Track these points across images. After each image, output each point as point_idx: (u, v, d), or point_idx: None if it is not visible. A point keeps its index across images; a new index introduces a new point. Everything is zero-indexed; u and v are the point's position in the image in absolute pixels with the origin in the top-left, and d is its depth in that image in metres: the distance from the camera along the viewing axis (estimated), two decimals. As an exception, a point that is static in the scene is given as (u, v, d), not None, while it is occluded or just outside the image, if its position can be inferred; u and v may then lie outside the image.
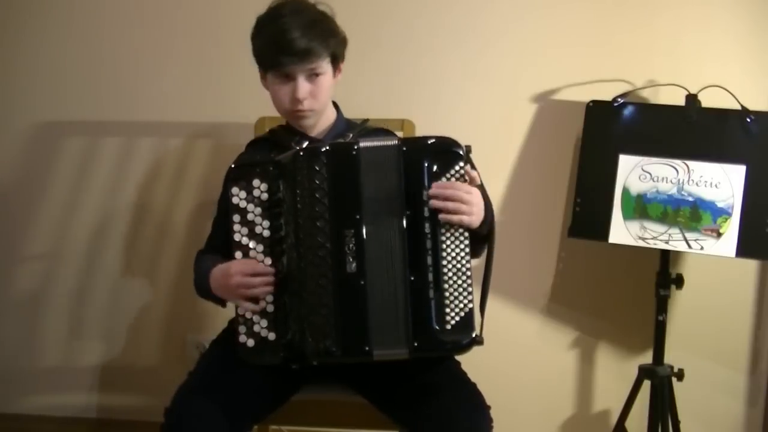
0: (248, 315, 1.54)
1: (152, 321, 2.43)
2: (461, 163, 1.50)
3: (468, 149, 1.52)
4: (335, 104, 1.83)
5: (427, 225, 1.49)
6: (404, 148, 1.51)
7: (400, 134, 2.07)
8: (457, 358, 1.63)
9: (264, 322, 1.54)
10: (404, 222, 1.50)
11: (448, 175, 1.50)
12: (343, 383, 1.71)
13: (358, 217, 1.50)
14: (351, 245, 1.50)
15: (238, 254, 1.55)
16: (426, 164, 1.50)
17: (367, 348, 1.50)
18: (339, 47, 1.72)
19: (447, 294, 1.49)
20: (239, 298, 1.55)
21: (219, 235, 1.76)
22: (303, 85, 1.67)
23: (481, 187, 1.55)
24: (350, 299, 1.50)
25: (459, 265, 1.49)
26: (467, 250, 1.50)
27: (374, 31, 2.27)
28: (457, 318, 1.49)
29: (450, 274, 1.49)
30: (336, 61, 1.72)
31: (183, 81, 2.34)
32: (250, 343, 1.54)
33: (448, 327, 1.49)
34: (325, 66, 1.68)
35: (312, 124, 1.75)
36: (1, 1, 2.39)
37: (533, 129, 2.25)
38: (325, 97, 1.72)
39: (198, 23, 2.33)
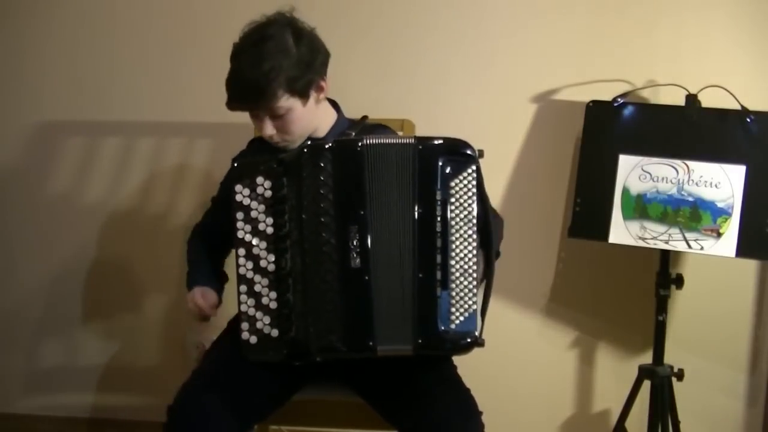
0: (251, 312, 1.54)
1: (152, 321, 2.42)
2: (474, 167, 1.51)
3: (480, 153, 1.52)
4: (335, 104, 1.82)
5: (438, 224, 1.49)
6: (420, 147, 1.51)
7: (400, 134, 2.08)
8: (457, 358, 1.63)
9: (267, 319, 1.53)
10: (415, 219, 1.50)
11: (460, 177, 1.50)
12: (342, 384, 1.71)
13: (362, 212, 1.50)
14: (355, 241, 1.49)
15: (241, 251, 1.54)
16: (440, 164, 1.50)
17: (371, 343, 1.50)
18: (302, 79, 1.61)
19: (453, 294, 1.49)
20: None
21: (214, 221, 1.85)
22: (268, 125, 1.64)
23: (483, 199, 1.53)
24: (354, 294, 1.50)
25: (466, 266, 1.50)
26: (474, 251, 1.50)
27: (374, 31, 2.27)
28: (462, 318, 1.50)
29: (457, 274, 1.49)
30: (303, 92, 1.63)
31: (183, 81, 2.34)
32: (253, 340, 1.54)
33: (453, 326, 1.50)
34: (286, 103, 1.61)
35: (297, 146, 1.67)
36: (2, 2, 2.39)
37: (533, 129, 2.25)
38: (298, 128, 1.66)
39: (198, 23, 2.33)
